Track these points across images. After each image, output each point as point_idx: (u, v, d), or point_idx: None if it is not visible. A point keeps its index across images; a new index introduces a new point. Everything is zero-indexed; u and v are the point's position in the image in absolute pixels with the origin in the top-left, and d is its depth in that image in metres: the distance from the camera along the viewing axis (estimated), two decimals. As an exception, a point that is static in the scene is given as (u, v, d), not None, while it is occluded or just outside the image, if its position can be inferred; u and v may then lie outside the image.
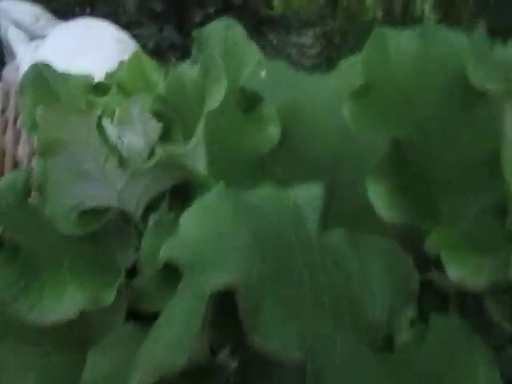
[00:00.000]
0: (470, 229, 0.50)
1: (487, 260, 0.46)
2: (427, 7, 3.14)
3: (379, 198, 0.50)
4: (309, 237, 0.47)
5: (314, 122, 0.72)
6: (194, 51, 0.72)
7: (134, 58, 0.54)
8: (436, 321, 0.52)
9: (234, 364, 0.63)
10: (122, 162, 0.45)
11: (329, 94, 0.73)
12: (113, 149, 0.43)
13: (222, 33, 0.68)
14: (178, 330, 0.29)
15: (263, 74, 0.92)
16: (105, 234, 0.56)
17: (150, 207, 0.56)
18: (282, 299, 0.34)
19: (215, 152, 0.72)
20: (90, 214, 0.55)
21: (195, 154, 0.46)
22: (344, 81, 0.68)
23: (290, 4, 4.35)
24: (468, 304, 0.56)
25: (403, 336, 0.53)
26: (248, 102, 0.66)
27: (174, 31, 2.09)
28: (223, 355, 0.63)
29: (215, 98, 0.45)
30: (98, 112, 0.42)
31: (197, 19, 2.06)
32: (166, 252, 0.31)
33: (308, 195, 0.48)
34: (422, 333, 0.52)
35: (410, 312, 0.54)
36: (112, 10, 2.46)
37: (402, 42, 0.53)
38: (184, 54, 2.20)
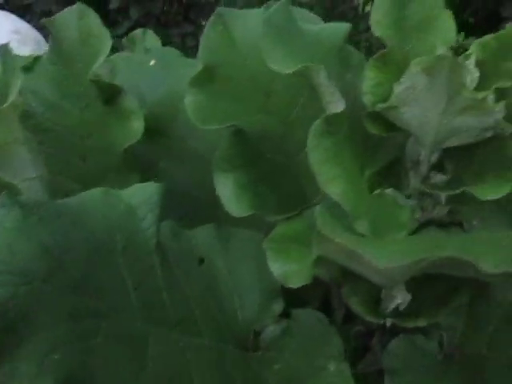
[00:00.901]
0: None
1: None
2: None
3: (226, 191, 0.47)
4: (145, 242, 0.44)
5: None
6: (49, 41, 0.66)
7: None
8: (297, 315, 0.50)
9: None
10: None
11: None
12: None
13: (75, 22, 0.62)
14: None
15: (152, 62, 0.87)
16: None
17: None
18: (67, 318, 0.30)
19: (88, 146, 0.67)
20: None
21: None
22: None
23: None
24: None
25: (269, 332, 0.51)
26: (107, 94, 0.61)
27: (92, 19, 1.98)
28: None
29: (10, 95, 0.40)
30: None
31: (113, 5, 1.96)
32: None
33: (144, 195, 0.44)
34: (286, 328, 0.51)
35: (277, 307, 0.52)
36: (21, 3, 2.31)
37: (247, 23, 0.50)
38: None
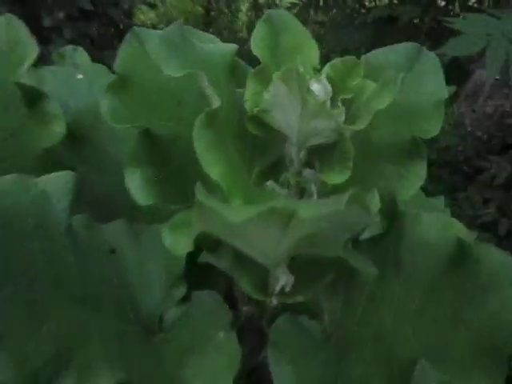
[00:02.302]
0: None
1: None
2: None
3: (133, 184, 0.53)
4: (57, 223, 0.49)
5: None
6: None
7: None
8: (196, 295, 0.57)
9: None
10: None
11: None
12: None
13: (4, 30, 0.67)
14: None
15: (80, 76, 0.92)
16: None
17: None
18: None
19: (7, 148, 0.71)
20: None
21: None
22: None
23: (168, 16, 4.43)
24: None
25: (171, 314, 0.57)
26: (30, 97, 0.66)
27: (23, 36, 1.98)
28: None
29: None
30: None
31: (47, 24, 1.98)
32: None
33: (57, 183, 0.50)
34: (186, 309, 0.57)
35: (180, 291, 0.58)
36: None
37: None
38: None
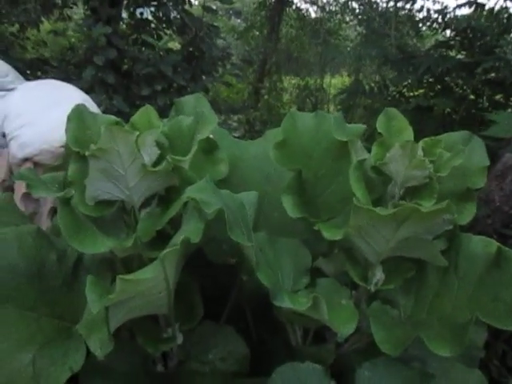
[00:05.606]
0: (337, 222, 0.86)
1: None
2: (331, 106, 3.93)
3: (288, 204, 0.86)
4: (247, 221, 0.81)
5: (248, 168, 1.09)
6: (171, 112, 1.07)
7: (145, 108, 0.87)
8: (320, 282, 0.87)
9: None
10: (143, 165, 0.76)
11: (258, 151, 1.11)
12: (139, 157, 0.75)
13: (193, 103, 1.04)
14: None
15: (211, 136, 1.29)
16: (110, 218, 0.85)
17: (143, 204, 0.86)
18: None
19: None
20: (103, 204, 0.83)
21: (188, 163, 0.79)
22: (269, 144, 1.05)
23: (220, 92, 5.03)
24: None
25: (303, 293, 0.87)
26: (210, 148, 1.01)
27: (122, 101, 2.43)
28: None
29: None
30: (136, 133, 0.74)
31: (144, 93, 2.43)
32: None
33: (248, 197, 0.83)
34: (312, 290, 0.86)
35: (305, 280, 0.88)
36: (63, 77, 2.75)
37: (305, 119, 0.93)
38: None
